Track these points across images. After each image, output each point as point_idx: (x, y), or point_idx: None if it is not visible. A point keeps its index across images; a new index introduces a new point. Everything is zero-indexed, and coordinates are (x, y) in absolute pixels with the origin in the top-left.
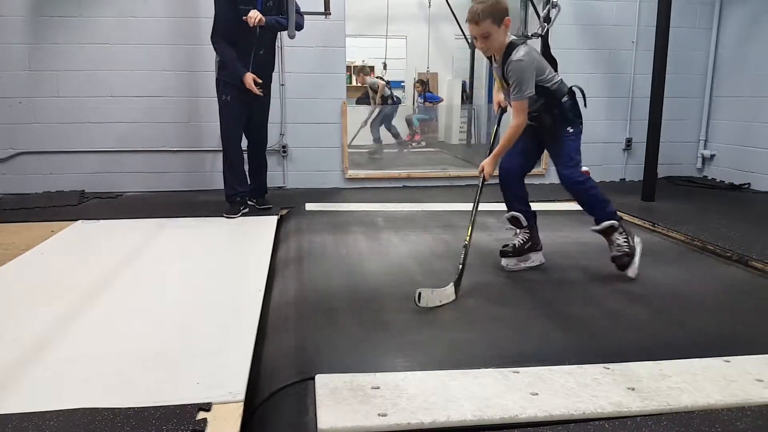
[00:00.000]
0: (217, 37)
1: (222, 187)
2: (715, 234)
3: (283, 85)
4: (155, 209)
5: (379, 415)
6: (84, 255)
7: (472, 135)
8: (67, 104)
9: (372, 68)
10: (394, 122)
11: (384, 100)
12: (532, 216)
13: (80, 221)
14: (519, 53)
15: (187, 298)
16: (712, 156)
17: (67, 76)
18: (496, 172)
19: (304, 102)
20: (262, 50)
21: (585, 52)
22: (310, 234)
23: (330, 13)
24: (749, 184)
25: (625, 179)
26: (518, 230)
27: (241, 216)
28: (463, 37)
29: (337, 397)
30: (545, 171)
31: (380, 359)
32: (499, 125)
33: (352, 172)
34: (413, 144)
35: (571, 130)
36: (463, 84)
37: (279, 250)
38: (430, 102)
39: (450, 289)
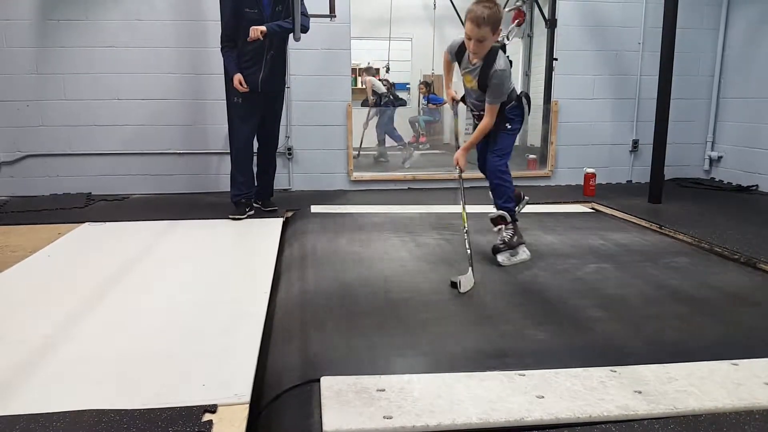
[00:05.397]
0: (224, 43)
1: (227, 189)
2: (723, 236)
3: (288, 87)
4: (161, 211)
5: (384, 417)
6: (90, 257)
7: None
8: (74, 107)
9: (378, 70)
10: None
11: (377, 99)
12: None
13: (87, 223)
14: (500, 62)
15: (192, 299)
16: (720, 157)
17: (74, 79)
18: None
19: (310, 104)
20: (272, 52)
21: (591, 54)
22: (315, 236)
23: (335, 16)
24: (757, 185)
25: (631, 181)
26: (503, 226)
27: (246, 218)
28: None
29: (342, 399)
30: (550, 173)
31: (385, 361)
32: (457, 116)
33: (357, 175)
34: (419, 146)
35: (509, 127)
36: None
37: (284, 252)
38: (434, 104)
39: (470, 274)
